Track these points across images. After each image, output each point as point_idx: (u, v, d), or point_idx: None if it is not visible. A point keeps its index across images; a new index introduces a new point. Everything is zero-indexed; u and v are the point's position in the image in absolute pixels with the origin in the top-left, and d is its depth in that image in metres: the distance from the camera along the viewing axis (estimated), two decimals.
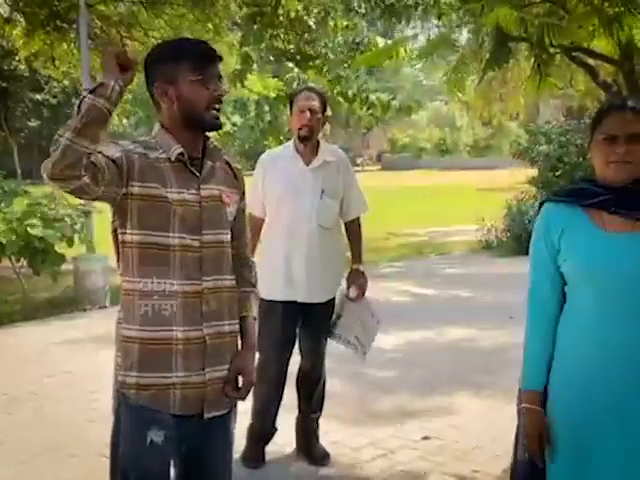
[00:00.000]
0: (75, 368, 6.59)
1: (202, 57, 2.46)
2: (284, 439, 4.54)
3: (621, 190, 2.54)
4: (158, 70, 2.48)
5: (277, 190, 4.33)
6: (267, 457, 4.44)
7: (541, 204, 2.79)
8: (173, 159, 2.45)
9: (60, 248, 8.85)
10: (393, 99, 17.55)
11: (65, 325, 8.51)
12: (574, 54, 15.55)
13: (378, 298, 9.38)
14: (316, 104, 4.28)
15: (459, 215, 17.95)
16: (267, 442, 4.47)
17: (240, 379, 2.60)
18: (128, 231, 2.41)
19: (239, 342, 2.64)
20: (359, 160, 48.40)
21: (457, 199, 25.07)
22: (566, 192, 2.77)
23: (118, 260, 2.48)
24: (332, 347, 4.63)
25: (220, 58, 2.54)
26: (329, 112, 4.48)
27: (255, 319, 2.73)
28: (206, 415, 2.49)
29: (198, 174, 2.49)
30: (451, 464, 4.40)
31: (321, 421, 4.58)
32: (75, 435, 4.93)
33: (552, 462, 2.66)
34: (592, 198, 2.65)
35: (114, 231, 2.47)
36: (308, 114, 4.25)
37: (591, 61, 12.43)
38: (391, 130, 51.43)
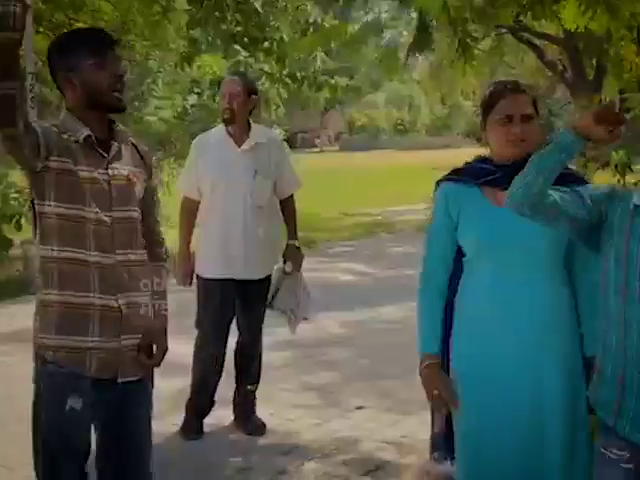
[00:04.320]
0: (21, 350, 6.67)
1: (99, 43, 2.64)
2: (222, 411, 4.71)
3: (514, 167, 2.69)
4: (60, 60, 2.64)
5: (210, 172, 4.49)
6: (206, 429, 4.62)
7: (438, 183, 2.98)
8: (81, 141, 2.60)
9: (8, 232, 8.89)
10: (351, 80, 17.67)
11: (13, 309, 8.56)
12: (521, 35, 15.94)
13: (327, 277, 9.64)
14: (238, 88, 4.46)
15: (413, 194, 18.18)
16: (206, 415, 4.64)
17: (154, 347, 2.77)
18: (47, 203, 2.56)
19: (152, 313, 2.79)
20: (317, 141, 48.49)
21: (413, 178, 25.30)
22: (462, 171, 2.96)
23: (35, 229, 2.63)
24: (272, 323, 4.81)
25: (117, 42, 2.72)
26: (258, 96, 4.67)
27: (165, 292, 2.88)
28: (120, 379, 2.65)
29: (106, 155, 2.65)
30: (382, 431, 4.62)
31: (258, 393, 4.76)
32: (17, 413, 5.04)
33: (460, 415, 2.89)
34: (487, 176, 2.86)
35: (32, 201, 2.62)
36: (229, 98, 4.44)
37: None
38: (349, 111, 51.58)
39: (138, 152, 2.81)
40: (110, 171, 2.64)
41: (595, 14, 4.65)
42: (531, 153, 2.74)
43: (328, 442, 4.50)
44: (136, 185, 2.73)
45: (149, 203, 2.85)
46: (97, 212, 2.59)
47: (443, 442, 3.15)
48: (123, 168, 2.69)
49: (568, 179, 2.73)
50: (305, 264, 4.79)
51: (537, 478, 2.82)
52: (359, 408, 5.06)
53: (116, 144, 2.69)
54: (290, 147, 20.15)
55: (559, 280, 2.86)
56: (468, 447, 2.91)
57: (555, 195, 2.54)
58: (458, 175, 2.94)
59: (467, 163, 3.00)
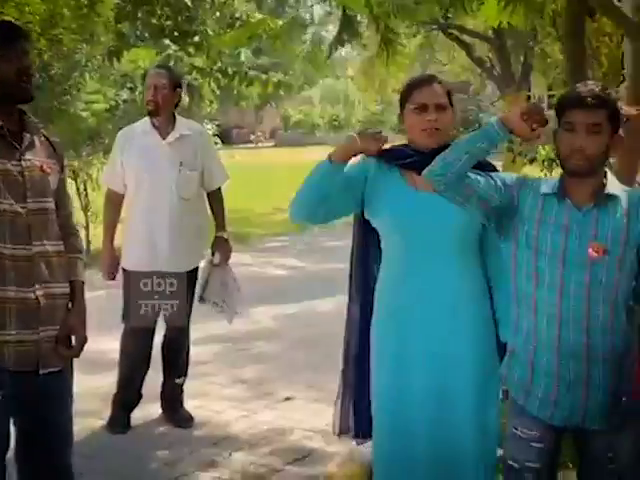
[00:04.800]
0: None
1: (5, 35, 2.63)
2: (150, 405, 4.71)
3: (430, 153, 2.79)
4: None
5: (136, 165, 4.47)
6: (133, 422, 4.61)
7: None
8: None
9: None
10: (286, 76, 17.67)
11: None
12: (451, 32, 16.18)
13: (260, 271, 9.66)
14: (163, 81, 4.45)
15: None
16: (133, 408, 4.62)
17: (73, 338, 2.77)
18: None
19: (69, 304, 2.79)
20: (253, 137, 48.26)
21: None
22: (385, 152, 3.05)
23: None
24: (202, 317, 4.82)
25: (25, 35, 2.72)
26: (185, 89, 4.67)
27: (83, 283, 2.87)
28: (41, 371, 2.64)
29: (18, 146, 2.63)
30: (309, 420, 4.67)
31: (186, 386, 4.76)
32: None
33: (376, 397, 3.01)
34: (407, 158, 2.95)
35: None
36: (154, 90, 4.43)
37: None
38: (285, 107, 51.49)
39: (50, 143, 2.80)
40: (23, 162, 2.63)
41: (514, 9, 4.76)
42: (445, 142, 2.84)
43: (256, 433, 4.54)
44: (50, 176, 2.72)
45: (62, 194, 2.84)
46: (12, 204, 2.57)
47: (353, 424, 3.22)
48: (36, 159, 2.68)
49: (483, 165, 2.83)
50: (238, 259, 4.82)
51: (449, 457, 2.92)
52: (288, 399, 5.10)
53: (28, 135, 2.68)
54: (224, 142, 20.08)
55: (472, 265, 2.96)
56: (383, 428, 3.00)
57: (471, 176, 2.63)
58: (382, 155, 3.02)
59: (392, 147, 3.10)
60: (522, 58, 16.21)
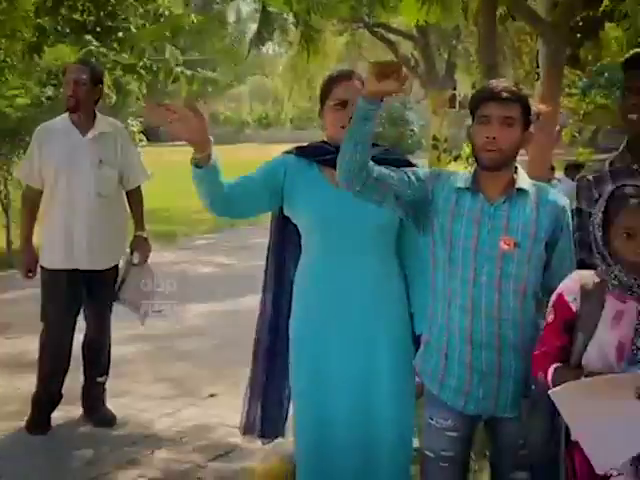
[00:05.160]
0: None
1: None
2: (70, 405, 4.65)
3: None
4: None
5: (54, 161, 4.40)
6: (53, 422, 4.54)
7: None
8: None
9: None
10: (214, 72, 17.56)
11: None
12: (376, 30, 16.32)
13: (187, 269, 9.59)
14: (83, 76, 4.39)
15: None
16: (53, 409, 4.56)
17: None
18: None
19: None
20: None
21: None
22: (304, 149, 3.07)
23: None
24: (127, 315, 4.77)
25: None
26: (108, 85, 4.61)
27: None
28: None
29: None
30: (233, 417, 4.63)
31: (110, 385, 4.71)
32: None
33: (297, 386, 3.05)
34: (326, 155, 2.97)
35: None
36: (73, 86, 4.37)
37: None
38: (213, 104, 51.16)
39: None
40: None
41: (431, 8, 4.84)
42: None
43: (179, 430, 4.53)
44: None
45: None
46: None
47: (260, 425, 3.24)
48: None
49: (397, 162, 2.87)
50: (165, 257, 4.78)
51: (367, 447, 2.96)
52: (212, 396, 5.10)
53: None
54: (152, 140, 19.82)
55: (390, 260, 3.01)
56: (303, 422, 3.03)
57: (384, 172, 2.66)
58: (301, 151, 3.04)
59: (311, 143, 3.12)
60: (446, 56, 16.45)
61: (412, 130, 13.01)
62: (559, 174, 10.74)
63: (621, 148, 2.92)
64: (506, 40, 17.31)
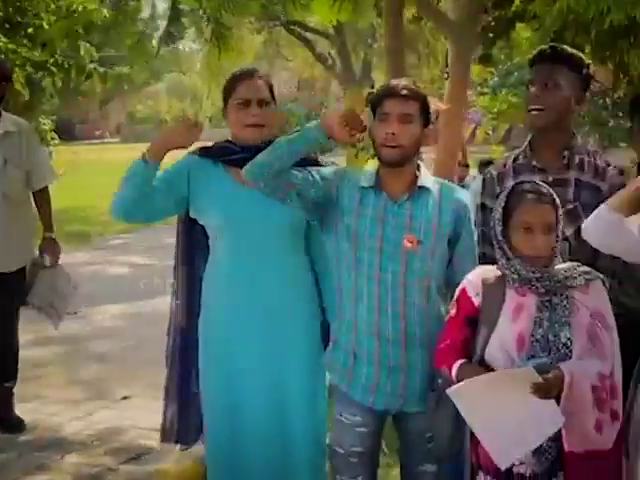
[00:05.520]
0: None
1: None
2: None
3: (255, 149, 2.79)
4: None
5: None
6: None
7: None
8: None
9: None
10: (131, 69, 17.25)
11: None
12: (292, 28, 16.32)
13: (101, 270, 9.44)
14: None
15: None
16: None
17: None
18: None
19: None
20: (98, 132, 47.02)
21: None
22: (209, 149, 3.05)
23: None
24: (38, 318, 4.66)
25: None
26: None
27: None
28: None
29: None
30: (146, 419, 4.60)
31: (19, 390, 4.60)
32: None
33: (207, 387, 3.03)
34: (231, 155, 2.96)
35: None
36: None
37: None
38: (131, 101, 50.42)
39: None
40: None
41: (343, 6, 4.87)
42: (269, 138, 2.87)
43: (91, 434, 4.45)
44: None
45: None
46: None
47: (176, 430, 3.21)
48: None
49: (302, 160, 2.88)
50: (79, 258, 4.69)
51: (281, 444, 2.97)
52: (125, 398, 5.03)
53: None
54: (67, 139, 19.44)
55: (298, 258, 3.01)
56: (216, 424, 3.01)
57: (290, 172, 2.66)
58: (205, 152, 3.01)
59: (215, 143, 3.09)
60: (362, 55, 16.58)
61: None
62: (474, 171, 10.96)
63: (524, 145, 2.99)
64: (421, 39, 17.56)
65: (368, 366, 2.71)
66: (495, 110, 17.52)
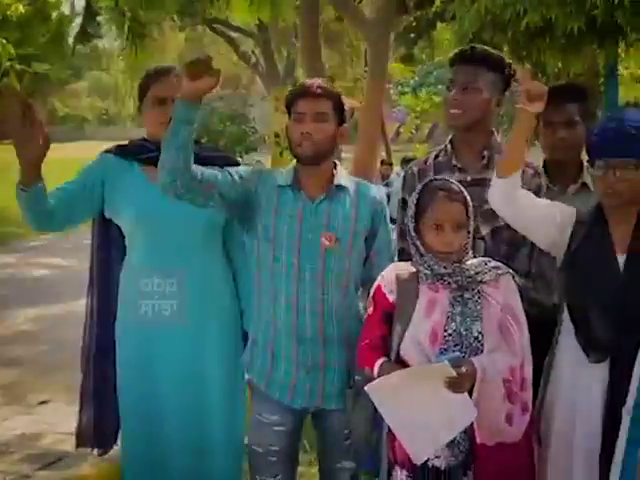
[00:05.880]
0: None
1: None
2: None
3: None
4: None
5: None
6: None
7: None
8: None
9: None
10: (51, 67, 16.91)
11: None
12: (215, 26, 16.22)
13: (20, 273, 9.22)
14: None
15: None
16: None
17: None
18: None
19: None
20: None
21: None
22: (125, 147, 3.00)
23: None
24: None
25: None
26: None
27: None
28: None
29: None
30: (64, 423, 4.50)
31: None
32: None
33: (123, 388, 2.98)
34: (147, 153, 2.91)
35: None
36: None
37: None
38: (51, 100, 49.40)
39: None
40: None
41: (261, 5, 4.85)
42: None
43: (6, 440, 4.34)
44: None
45: None
46: None
47: (92, 434, 3.15)
48: None
49: (218, 159, 2.86)
50: None
51: (199, 444, 2.94)
52: (43, 403, 4.92)
53: None
54: None
55: (216, 257, 2.99)
56: (132, 427, 2.97)
57: (207, 172, 2.63)
58: (120, 151, 2.96)
59: (130, 141, 3.05)
60: (286, 54, 16.57)
61: (254, 127, 13.03)
62: (397, 168, 11.09)
63: (445, 143, 3.01)
64: (345, 39, 17.66)
65: (287, 365, 2.70)
66: (418, 109, 17.75)
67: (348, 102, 2.75)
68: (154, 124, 2.93)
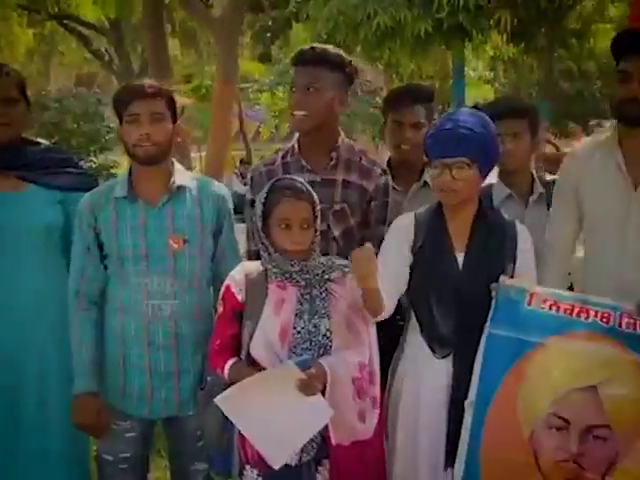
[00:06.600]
0: None
1: None
2: None
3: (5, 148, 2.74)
4: None
5: None
6: None
7: None
8: None
9: None
10: None
11: None
12: (66, 22, 15.72)
13: None
14: None
15: None
16: None
17: None
18: None
19: None
20: None
21: None
22: None
23: None
24: None
25: None
26: None
27: None
28: None
29: None
30: None
31: None
32: None
33: None
34: None
35: None
36: None
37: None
38: None
39: None
40: None
41: (106, 2, 4.74)
42: (15, 136, 2.81)
43: None
44: None
45: None
46: None
47: None
48: None
49: (63, 161, 2.81)
50: None
51: (42, 459, 2.85)
52: None
53: None
54: None
55: (55, 261, 2.90)
56: None
57: (96, 286, 2.70)
58: None
59: None
60: (140, 51, 16.26)
61: (108, 126, 12.62)
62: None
63: (293, 143, 3.00)
64: (203, 38, 17.50)
65: (140, 377, 2.65)
66: (277, 108, 17.81)
67: (179, 100, 2.74)
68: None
